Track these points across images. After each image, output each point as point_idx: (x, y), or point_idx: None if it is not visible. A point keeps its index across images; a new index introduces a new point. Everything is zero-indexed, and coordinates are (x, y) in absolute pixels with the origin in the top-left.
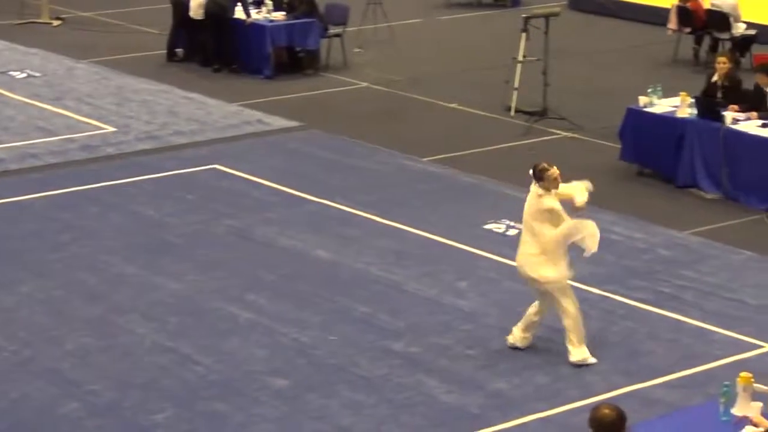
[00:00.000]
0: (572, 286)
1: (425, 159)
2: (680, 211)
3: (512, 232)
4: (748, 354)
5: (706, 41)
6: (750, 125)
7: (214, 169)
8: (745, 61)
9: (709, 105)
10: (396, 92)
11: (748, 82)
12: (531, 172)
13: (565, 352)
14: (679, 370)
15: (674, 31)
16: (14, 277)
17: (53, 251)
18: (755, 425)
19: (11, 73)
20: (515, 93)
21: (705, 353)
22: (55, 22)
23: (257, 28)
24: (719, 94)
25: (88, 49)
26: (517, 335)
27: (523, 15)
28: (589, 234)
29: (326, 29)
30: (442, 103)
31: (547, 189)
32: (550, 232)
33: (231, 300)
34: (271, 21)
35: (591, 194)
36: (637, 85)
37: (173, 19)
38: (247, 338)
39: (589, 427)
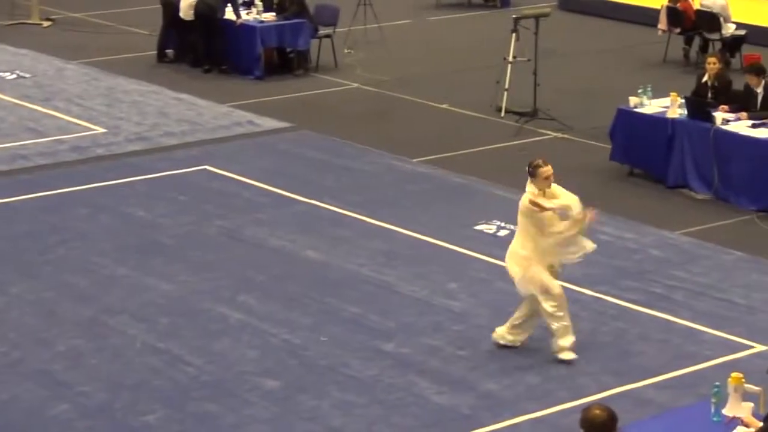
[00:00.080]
0: (563, 287)
1: (415, 159)
2: (671, 211)
3: (503, 232)
4: (739, 354)
5: (696, 42)
6: (740, 125)
7: (205, 170)
8: (735, 62)
9: (699, 105)
10: (386, 93)
11: (738, 83)
12: (527, 168)
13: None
14: (670, 371)
15: (664, 31)
16: (4, 278)
17: (43, 252)
18: (746, 426)
19: (1, 74)
20: (506, 93)
21: (696, 354)
22: (45, 23)
23: (247, 28)
24: (709, 95)
25: (78, 49)
26: (499, 332)
27: (513, 15)
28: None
29: (316, 30)
30: (432, 103)
31: (540, 188)
32: (531, 230)
33: (222, 301)
34: (262, 22)
35: (581, 194)
36: (627, 86)
37: (163, 20)
38: (238, 339)
39: (580, 427)
